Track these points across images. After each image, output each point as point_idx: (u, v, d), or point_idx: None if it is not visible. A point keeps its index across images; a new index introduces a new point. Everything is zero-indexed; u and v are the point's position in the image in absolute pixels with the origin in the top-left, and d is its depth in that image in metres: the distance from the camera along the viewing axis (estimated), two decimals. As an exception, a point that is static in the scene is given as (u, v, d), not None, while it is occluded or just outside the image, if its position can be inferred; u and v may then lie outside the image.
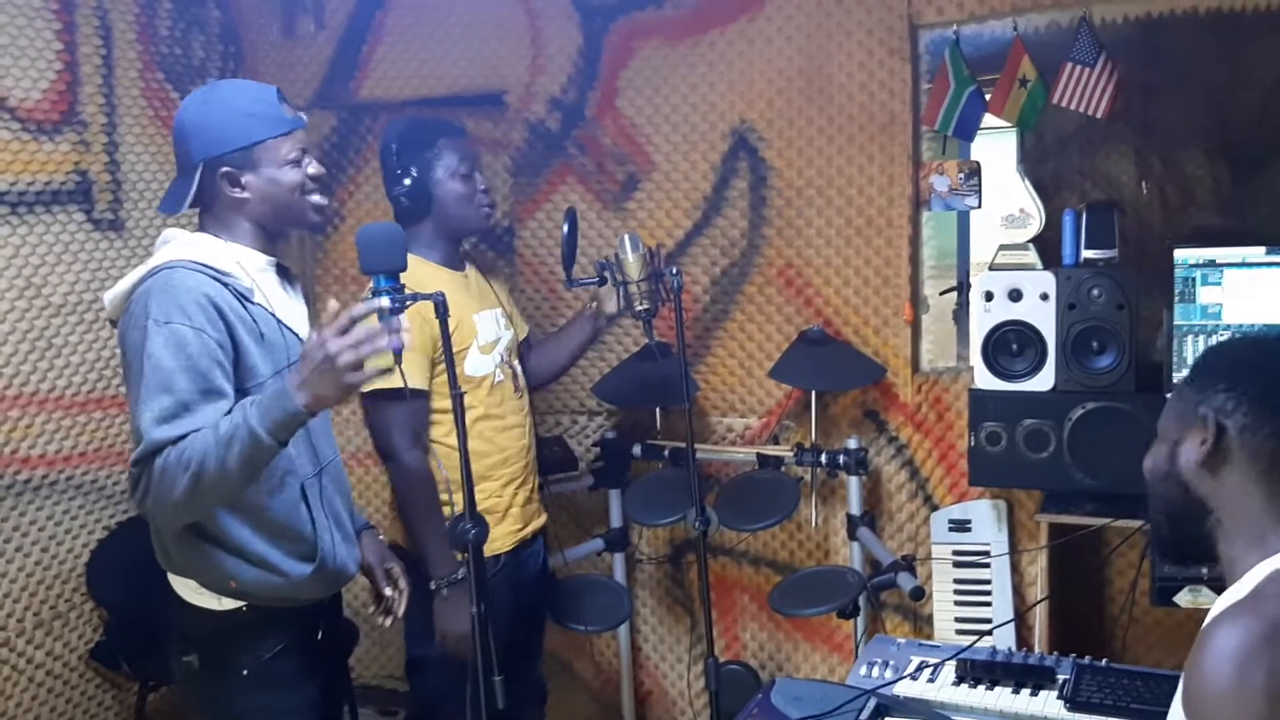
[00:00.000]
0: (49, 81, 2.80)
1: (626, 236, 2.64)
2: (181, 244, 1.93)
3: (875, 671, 2.16)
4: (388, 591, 2.23)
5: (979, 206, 2.85)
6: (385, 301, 1.84)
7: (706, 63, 3.07)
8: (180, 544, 1.92)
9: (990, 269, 2.71)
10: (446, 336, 2.06)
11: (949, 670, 2.13)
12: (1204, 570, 2.35)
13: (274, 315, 1.97)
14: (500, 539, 2.53)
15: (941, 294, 3.07)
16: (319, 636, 2.08)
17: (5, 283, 2.70)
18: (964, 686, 2.07)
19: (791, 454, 3.00)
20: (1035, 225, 2.72)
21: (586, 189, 3.29)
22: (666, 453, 3.13)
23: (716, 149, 3.11)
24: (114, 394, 2.95)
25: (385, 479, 2.55)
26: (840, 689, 2.07)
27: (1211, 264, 2.48)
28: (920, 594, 2.62)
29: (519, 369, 2.71)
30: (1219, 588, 1.35)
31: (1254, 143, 2.73)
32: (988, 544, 2.83)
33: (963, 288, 3.10)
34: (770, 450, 3.06)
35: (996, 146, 2.94)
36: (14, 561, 2.74)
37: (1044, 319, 2.59)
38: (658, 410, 3.19)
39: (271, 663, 1.99)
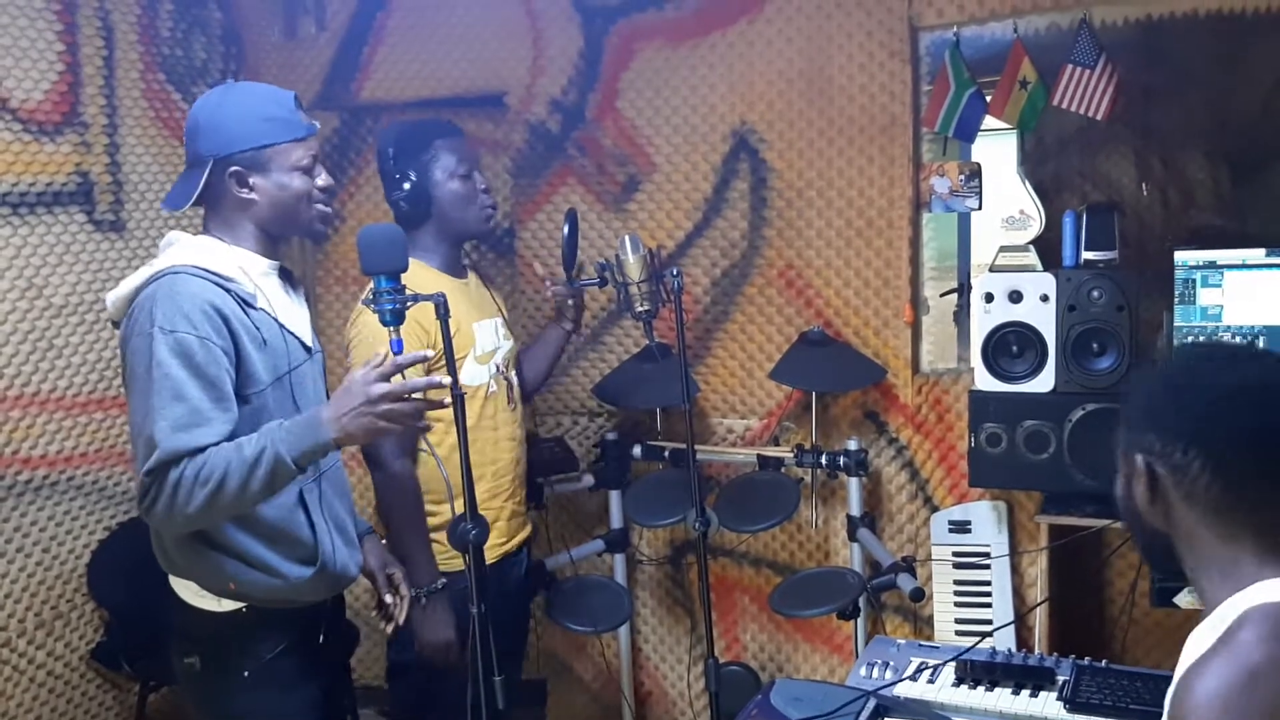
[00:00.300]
0: (50, 82, 2.80)
1: (627, 238, 2.65)
2: (185, 248, 1.93)
3: (875, 672, 2.17)
4: (388, 598, 2.23)
5: (979, 208, 2.85)
6: (430, 353, 1.87)
7: (707, 64, 3.07)
8: (180, 546, 1.93)
9: (990, 270, 2.72)
10: (447, 337, 2.06)
11: (949, 671, 2.13)
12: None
13: (276, 320, 1.97)
14: (485, 551, 2.49)
15: (942, 295, 3.07)
16: (320, 638, 2.08)
17: (6, 283, 2.70)
18: (964, 688, 2.08)
19: (792, 455, 3.01)
20: (1035, 227, 2.72)
21: (587, 190, 3.29)
22: (667, 454, 3.13)
23: (717, 150, 3.11)
24: (115, 395, 2.95)
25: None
26: (840, 690, 2.08)
27: (1212, 266, 2.48)
28: (920, 595, 2.62)
29: (514, 380, 2.69)
30: None
31: (1254, 144, 2.73)
32: (988, 545, 2.83)
33: (963, 289, 3.10)
34: (770, 451, 3.07)
35: (997, 148, 2.94)
36: (15, 562, 2.74)
37: (1044, 320, 2.60)
38: (658, 411, 3.20)
39: (272, 664, 1.99)
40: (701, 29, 3.06)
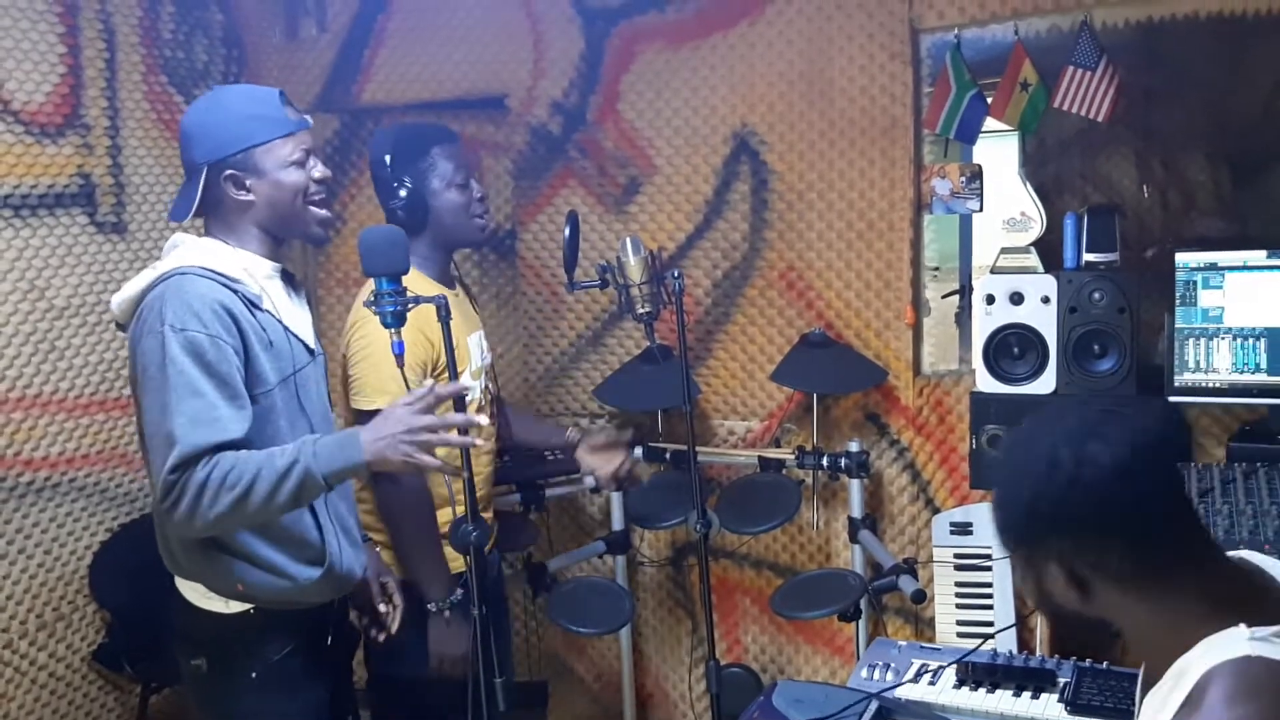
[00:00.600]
0: (52, 84, 2.81)
1: (628, 240, 2.64)
2: (190, 249, 1.93)
3: (876, 674, 2.17)
4: (383, 607, 2.23)
5: (980, 210, 2.85)
6: (469, 385, 1.87)
7: (708, 66, 3.08)
8: (187, 548, 1.92)
9: (992, 272, 2.72)
10: (449, 339, 2.06)
11: (950, 673, 2.14)
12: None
13: (281, 322, 1.98)
14: (458, 559, 2.47)
15: (944, 297, 3.07)
16: (329, 639, 2.08)
17: (9, 285, 2.70)
18: (965, 690, 2.08)
19: (793, 457, 3.01)
20: (1036, 228, 2.72)
21: (588, 192, 3.30)
22: (668, 455, 3.13)
23: (718, 152, 3.11)
24: (117, 396, 2.96)
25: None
26: (841, 692, 2.08)
27: (1213, 267, 2.49)
28: (921, 597, 2.62)
29: (494, 392, 2.67)
30: None
31: (1255, 146, 2.73)
32: (989, 547, 2.83)
33: (964, 291, 3.11)
34: (771, 453, 3.07)
35: (998, 150, 2.94)
36: (17, 563, 2.74)
37: (1045, 322, 2.60)
38: (659, 413, 3.20)
39: (279, 665, 1.99)
40: (702, 31, 3.07)
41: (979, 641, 2.24)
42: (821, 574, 3.00)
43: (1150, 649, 1.29)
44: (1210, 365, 2.50)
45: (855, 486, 2.96)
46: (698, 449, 2.74)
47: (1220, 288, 2.48)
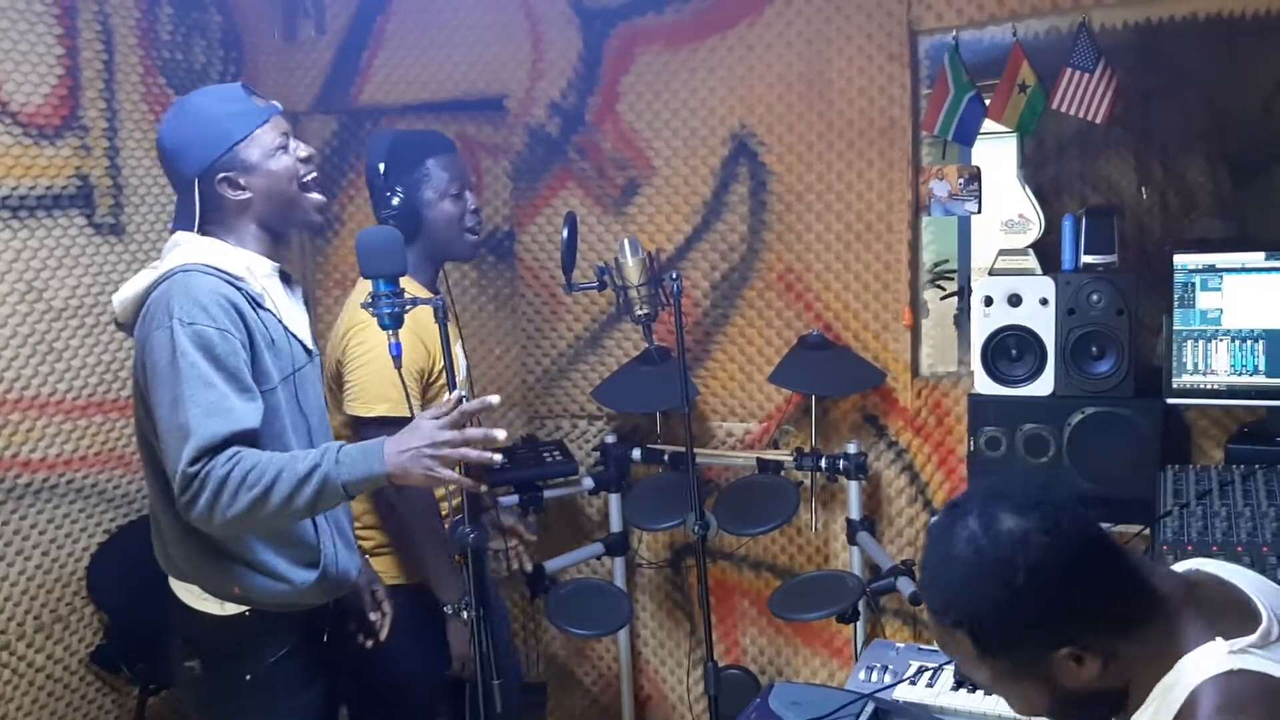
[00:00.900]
0: (50, 86, 2.80)
1: (626, 241, 2.64)
2: (192, 248, 1.93)
3: (874, 676, 2.17)
4: (374, 615, 2.23)
5: (979, 211, 2.85)
6: (495, 400, 1.87)
7: (707, 68, 3.08)
8: (184, 549, 1.92)
9: (990, 274, 2.72)
10: (446, 340, 2.07)
11: (948, 675, 2.14)
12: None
13: (280, 322, 1.98)
14: None
15: (942, 299, 3.07)
16: (324, 641, 2.08)
17: (6, 287, 2.70)
18: (963, 691, 2.08)
19: (791, 458, 3.01)
20: (1035, 230, 2.72)
21: (586, 194, 3.29)
22: (666, 457, 3.13)
23: (716, 154, 3.11)
24: (115, 398, 2.95)
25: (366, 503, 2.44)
26: (838, 693, 2.08)
27: (1211, 269, 2.48)
28: (920, 599, 2.62)
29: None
30: None
31: (1254, 147, 2.73)
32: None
33: (963, 293, 3.11)
34: (770, 455, 3.06)
35: (996, 151, 2.94)
36: (14, 565, 2.74)
37: (1043, 324, 2.60)
38: (657, 414, 3.20)
39: (274, 668, 1.99)
40: (701, 32, 3.07)
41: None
42: (819, 575, 3.00)
43: (1134, 678, 1.30)
44: (1209, 367, 2.50)
45: (853, 488, 2.96)
46: (696, 450, 2.74)
47: (1219, 289, 2.48)
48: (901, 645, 2.31)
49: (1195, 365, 2.50)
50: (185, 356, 1.78)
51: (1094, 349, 2.57)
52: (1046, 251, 2.72)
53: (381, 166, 2.43)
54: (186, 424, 1.76)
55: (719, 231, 3.15)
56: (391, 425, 2.27)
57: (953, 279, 3.21)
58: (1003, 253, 2.74)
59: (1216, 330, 2.49)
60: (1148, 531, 2.39)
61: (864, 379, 2.96)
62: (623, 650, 3.38)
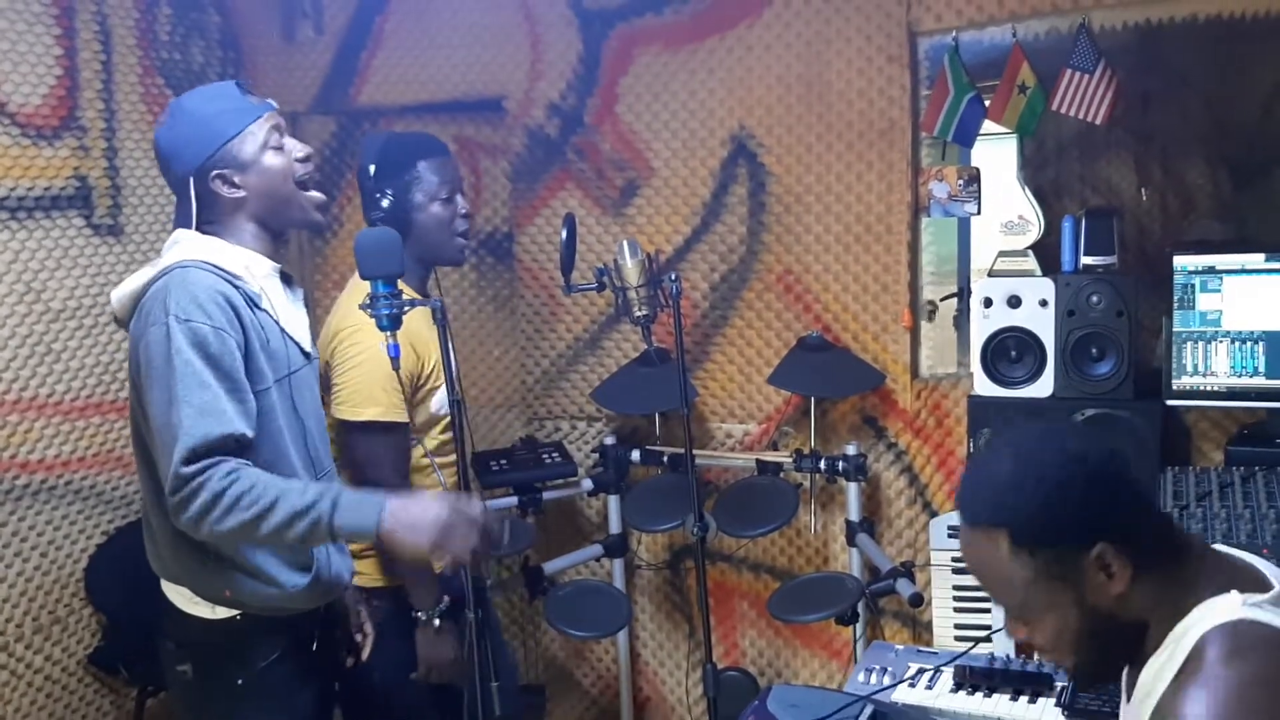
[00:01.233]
0: (49, 86, 2.80)
1: (625, 242, 2.64)
2: (192, 245, 1.92)
3: (873, 678, 2.17)
4: (359, 636, 2.24)
5: (978, 213, 2.85)
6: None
7: (706, 69, 3.07)
8: (175, 551, 1.91)
9: (989, 275, 2.71)
10: (446, 342, 2.06)
11: (947, 677, 2.13)
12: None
13: (278, 323, 1.97)
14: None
15: (942, 300, 3.07)
16: (314, 646, 2.07)
17: (4, 288, 2.70)
18: (962, 693, 2.08)
19: (790, 460, 3.00)
20: (1034, 231, 2.72)
21: (585, 195, 3.29)
22: (665, 458, 3.13)
23: (716, 155, 3.11)
24: (113, 399, 2.95)
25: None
26: (837, 695, 2.07)
27: (1211, 271, 2.48)
28: (919, 600, 2.61)
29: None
30: None
31: (1254, 149, 2.73)
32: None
33: (962, 294, 3.10)
34: (769, 456, 3.06)
35: (996, 153, 2.94)
36: (13, 566, 2.74)
37: (1043, 325, 2.59)
38: (657, 416, 3.19)
39: (266, 671, 1.97)
40: (700, 33, 3.06)
41: (976, 645, 2.23)
42: (819, 577, 3.00)
43: (1152, 621, 1.33)
44: (1208, 369, 2.49)
45: (853, 490, 2.96)
46: (695, 452, 2.74)
47: (1219, 291, 2.48)
48: (901, 647, 2.30)
49: (1195, 367, 2.50)
50: (180, 354, 1.78)
51: (1094, 350, 2.56)
52: (1046, 253, 2.72)
53: (371, 168, 2.42)
54: (180, 423, 1.75)
55: (718, 233, 3.15)
56: (379, 431, 2.28)
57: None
58: (1002, 254, 2.74)
59: (1216, 332, 2.49)
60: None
61: (863, 380, 2.96)
62: (622, 652, 3.38)
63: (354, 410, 2.28)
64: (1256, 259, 2.45)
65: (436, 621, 2.31)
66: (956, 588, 2.85)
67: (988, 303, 2.64)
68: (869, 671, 2.19)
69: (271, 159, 1.96)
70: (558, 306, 3.38)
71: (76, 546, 2.89)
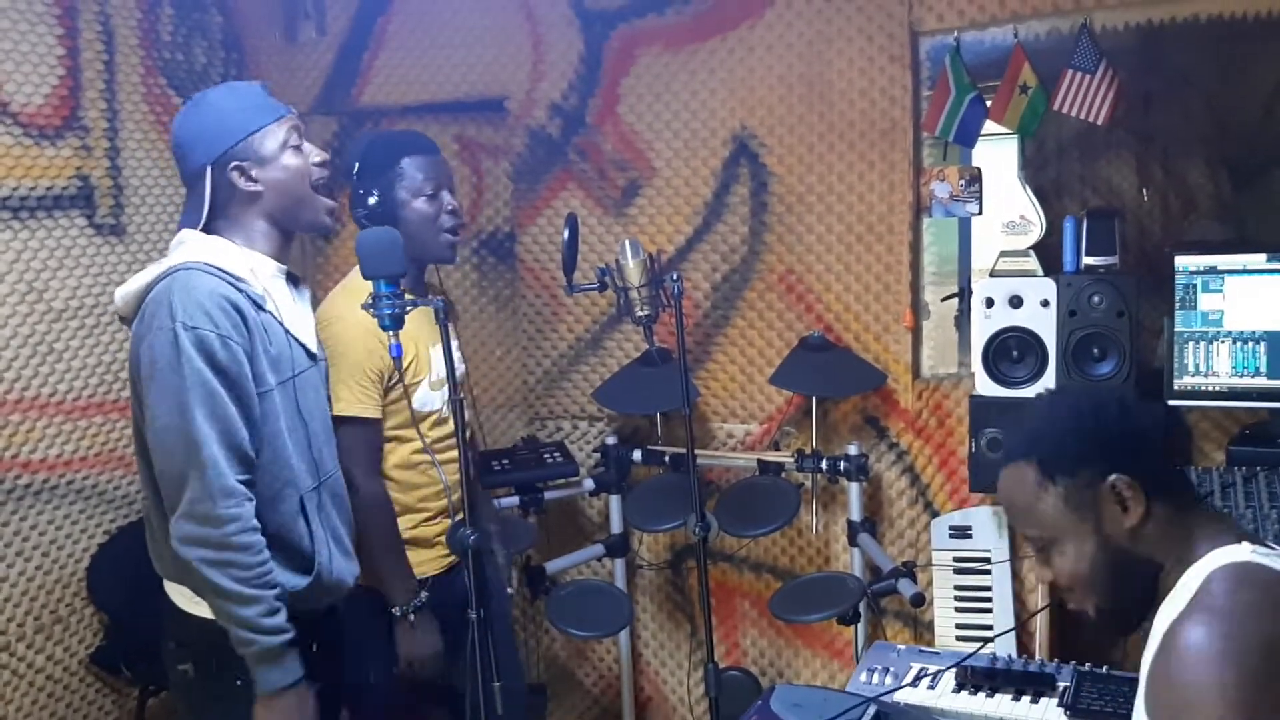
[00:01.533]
0: (51, 86, 2.80)
1: (627, 242, 2.64)
2: (197, 246, 1.92)
3: (875, 678, 2.16)
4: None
5: (980, 213, 2.85)
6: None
7: (708, 69, 3.07)
8: (177, 551, 1.91)
9: (991, 275, 2.71)
10: (446, 342, 2.06)
11: (949, 677, 2.13)
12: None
13: (282, 325, 1.97)
14: (427, 563, 2.46)
15: (943, 300, 3.07)
16: (314, 647, 2.07)
17: (7, 287, 2.70)
18: (964, 694, 2.07)
19: (792, 460, 3.00)
20: (1036, 232, 2.72)
21: (587, 195, 3.29)
22: (667, 458, 3.13)
23: (717, 155, 3.11)
24: (115, 399, 2.95)
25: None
26: (840, 695, 2.07)
27: (1212, 271, 2.48)
28: (921, 600, 2.62)
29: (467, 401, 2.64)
30: None
31: (1255, 149, 2.73)
32: (988, 551, 2.83)
33: (964, 294, 3.10)
34: (771, 456, 3.06)
35: (997, 153, 2.94)
36: (15, 566, 2.74)
37: (1045, 325, 2.60)
38: (658, 416, 3.20)
39: None
40: (702, 34, 3.06)
41: (978, 645, 2.23)
42: (820, 577, 2.99)
43: (1166, 565, 1.43)
44: (1210, 369, 2.50)
45: (854, 490, 2.96)
46: (697, 452, 2.74)
47: (1220, 291, 2.48)
48: (903, 647, 2.30)
49: (1196, 367, 2.50)
50: (191, 363, 1.79)
51: (1095, 351, 2.57)
52: (1047, 253, 2.72)
53: (356, 166, 2.42)
54: (195, 436, 1.79)
55: (720, 233, 3.15)
56: (348, 424, 2.27)
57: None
58: (1004, 254, 2.74)
59: (1218, 332, 2.49)
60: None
61: (865, 380, 2.96)
62: (623, 652, 3.38)
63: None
64: (1258, 259, 2.46)
65: (412, 616, 2.32)
66: (958, 588, 2.85)
67: (989, 303, 2.64)
68: (871, 671, 2.19)
69: (290, 158, 1.98)
70: (559, 306, 3.38)
71: (78, 546, 2.89)
